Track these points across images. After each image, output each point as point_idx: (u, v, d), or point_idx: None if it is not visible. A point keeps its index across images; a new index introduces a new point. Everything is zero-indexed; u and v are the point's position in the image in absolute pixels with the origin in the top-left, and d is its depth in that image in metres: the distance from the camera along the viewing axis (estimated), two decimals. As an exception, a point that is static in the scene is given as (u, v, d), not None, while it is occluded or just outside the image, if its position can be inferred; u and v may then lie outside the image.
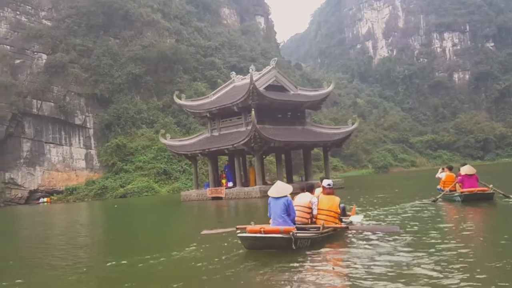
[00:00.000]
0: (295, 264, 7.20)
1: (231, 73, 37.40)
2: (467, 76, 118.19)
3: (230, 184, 32.09)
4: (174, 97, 34.42)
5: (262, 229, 8.24)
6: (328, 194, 9.65)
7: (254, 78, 31.64)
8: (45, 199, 63.31)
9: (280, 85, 33.16)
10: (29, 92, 64.62)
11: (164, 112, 69.50)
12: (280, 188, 9.01)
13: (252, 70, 33.80)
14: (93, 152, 68.43)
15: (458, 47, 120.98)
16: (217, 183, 33.40)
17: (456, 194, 15.29)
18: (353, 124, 34.43)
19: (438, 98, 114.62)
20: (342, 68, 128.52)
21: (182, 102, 34.18)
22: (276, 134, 30.42)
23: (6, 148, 63.47)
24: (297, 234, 8.16)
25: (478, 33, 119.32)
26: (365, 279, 5.96)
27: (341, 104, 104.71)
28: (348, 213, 11.32)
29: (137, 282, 7.12)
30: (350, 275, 6.30)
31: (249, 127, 28.48)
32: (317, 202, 9.45)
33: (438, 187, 17.13)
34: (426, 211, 13.36)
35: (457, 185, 15.52)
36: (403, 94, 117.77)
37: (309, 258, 7.62)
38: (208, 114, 32.69)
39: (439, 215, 12.95)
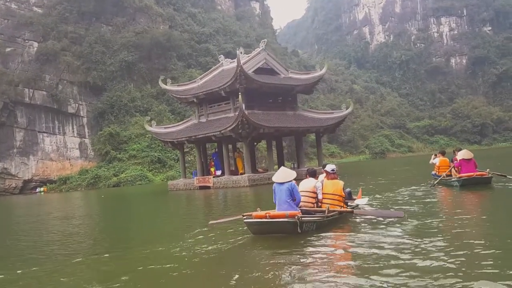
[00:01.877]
0: (301, 248, 7.23)
1: (219, 56, 35.12)
2: (464, 61, 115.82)
3: (219, 172, 30.13)
4: (160, 82, 32.21)
5: (267, 214, 8.29)
6: (332, 179, 9.64)
7: (243, 61, 29.52)
8: (41, 189, 61.66)
9: (270, 68, 30.99)
10: (20, 80, 62.53)
11: (158, 99, 67.30)
12: (284, 174, 8.97)
13: (241, 53, 31.77)
14: (87, 141, 66.47)
15: (455, 32, 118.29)
16: (206, 172, 31.44)
17: (454, 179, 15.02)
18: (347, 108, 32.32)
19: (435, 83, 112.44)
20: (339, 54, 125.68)
21: (168, 87, 32.01)
22: (266, 120, 28.39)
23: (-2, 137, 61.63)
24: (303, 218, 8.22)
25: (476, 17, 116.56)
26: (369, 264, 5.92)
27: (338, 91, 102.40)
28: (354, 197, 11.32)
29: (148, 270, 6.83)
30: (355, 259, 6.24)
31: (238, 113, 26.43)
32: (321, 187, 9.48)
33: (433, 172, 16.97)
34: (425, 197, 13.07)
35: (453, 170, 15.39)
36: (400, 80, 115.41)
37: (314, 242, 7.61)
38: (195, 100, 30.59)
39: (440, 200, 12.76)
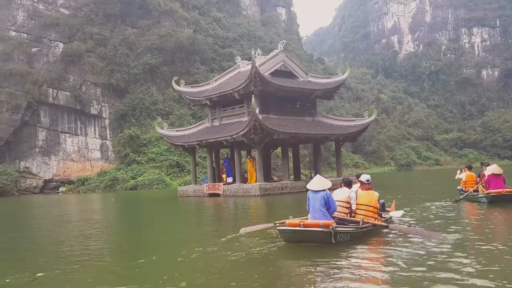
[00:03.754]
0: (333, 259, 7.00)
1: (236, 58, 33.17)
2: (496, 73, 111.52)
3: (230, 179, 28.06)
4: (173, 83, 30.39)
5: (301, 223, 8.17)
6: (367, 189, 9.29)
7: (259, 62, 27.52)
8: (63, 189, 60.92)
9: (288, 71, 28.82)
10: (45, 80, 62.21)
11: (180, 103, 65.90)
12: (319, 182, 8.78)
13: (258, 54, 29.76)
14: (108, 142, 65.68)
15: (488, 43, 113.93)
16: (218, 178, 29.45)
17: (481, 195, 14.16)
18: (370, 116, 29.85)
19: (465, 95, 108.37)
20: (366, 63, 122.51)
21: (181, 88, 30.20)
22: (281, 125, 26.20)
23: (21, 136, 61.29)
24: (337, 228, 7.98)
25: (509, 29, 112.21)
26: (401, 280, 5.68)
27: (364, 100, 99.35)
28: (387, 208, 10.90)
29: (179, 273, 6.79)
30: (387, 274, 5.99)
31: (250, 117, 24.36)
32: (355, 197, 9.20)
33: (459, 187, 16.14)
34: (453, 213, 12.44)
35: (480, 185, 14.61)
36: (429, 91, 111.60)
37: (347, 254, 7.38)
38: (208, 102, 28.67)
39: (469, 216, 12.07)
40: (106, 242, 11.14)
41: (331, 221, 8.12)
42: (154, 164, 58.03)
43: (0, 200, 45.32)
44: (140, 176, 55.45)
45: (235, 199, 24.51)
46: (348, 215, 9.10)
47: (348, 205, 9.12)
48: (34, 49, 63.47)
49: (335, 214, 8.78)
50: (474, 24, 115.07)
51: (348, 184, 9.53)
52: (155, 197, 32.61)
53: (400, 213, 11.15)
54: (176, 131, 31.22)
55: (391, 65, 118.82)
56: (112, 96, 66.15)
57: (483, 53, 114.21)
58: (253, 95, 24.15)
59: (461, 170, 16.86)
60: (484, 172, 14.57)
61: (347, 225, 8.69)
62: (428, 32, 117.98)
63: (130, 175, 56.34)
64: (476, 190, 14.81)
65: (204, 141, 27.51)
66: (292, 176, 30.95)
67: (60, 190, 60.33)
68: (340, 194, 9.21)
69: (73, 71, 64.41)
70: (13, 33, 63.74)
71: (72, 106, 63.39)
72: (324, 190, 8.56)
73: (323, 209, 8.40)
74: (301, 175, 34.56)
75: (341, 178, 10.26)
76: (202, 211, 19.96)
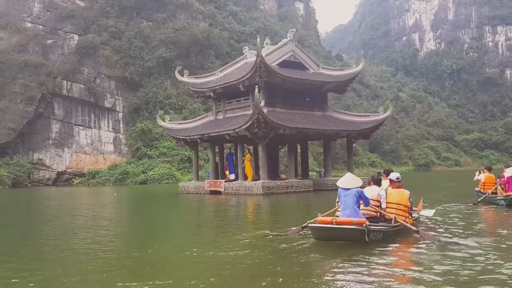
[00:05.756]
0: (366, 257, 6.76)
1: (243, 48, 31.04)
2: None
3: (232, 176, 26.00)
4: (176, 73, 28.37)
5: (334, 220, 7.86)
6: (397, 188, 9.09)
7: (266, 52, 25.41)
8: (76, 181, 59.71)
9: (298, 62, 26.55)
10: (59, 72, 61.23)
11: (193, 98, 64.08)
12: (350, 180, 8.58)
13: (267, 44, 27.66)
14: (121, 136, 64.45)
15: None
16: (221, 175, 27.43)
17: (500, 197, 13.68)
18: (385, 111, 27.42)
19: (487, 95, 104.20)
20: (386, 60, 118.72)
21: (184, 79, 28.20)
22: (288, 119, 24.01)
23: (35, 128, 60.48)
24: (370, 227, 7.71)
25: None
26: (434, 282, 5.47)
27: (382, 98, 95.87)
28: (414, 208, 10.13)
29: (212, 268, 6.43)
30: (419, 276, 5.74)
31: (254, 109, 22.25)
32: (385, 195, 8.89)
33: (476, 189, 15.59)
34: (476, 215, 12.02)
35: (499, 187, 14.06)
36: (450, 90, 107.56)
37: (381, 252, 7.11)
38: (212, 94, 26.64)
39: (495, 219, 11.58)
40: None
41: (363, 219, 7.89)
42: (165, 159, 56.46)
43: (10, 192, 44.34)
44: (150, 171, 53.91)
45: (235, 197, 22.54)
46: (378, 213, 8.83)
47: (378, 204, 8.82)
48: (49, 41, 62.51)
49: (365, 212, 8.57)
50: (499, 22, 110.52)
51: (378, 182, 9.21)
52: (157, 193, 30.80)
53: (431, 212, 10.67)
54: (179, 124, 29.32)
55: (411, 63, 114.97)
56: (126, 90, 64.87)
57: (507, 52, 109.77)
58: (256, 86, 22.02)
59: (479, 171, 16.16)
60: (504, 173, 13.91)
61: (377, 222, 8.41)
62: (450, 30, 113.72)
63: (140, 169, 54.86)
64: (495, 192, 14.22)
65: (206, 135, 25.51)
66: (300, 176, 28.64)
67: (75, 182, 59.14)
68: (370, 192, 8.85)
69: (88, 64, 63.27)
70: (29, 25, 62.88)
71: (86, 98, 62.32)
72: (356, 188, 8.33)
73: (355, 207, 8.18)
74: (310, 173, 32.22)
75: (371, 176, 9.77)
76: (190, 212, 18.01)
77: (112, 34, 64.53)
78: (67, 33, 63.85)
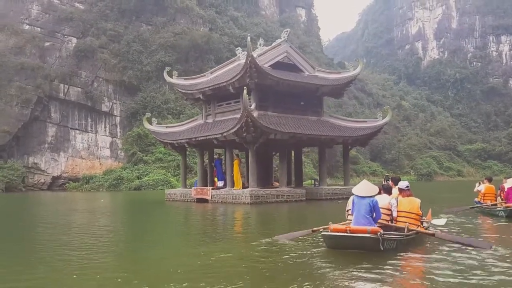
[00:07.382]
0: (379, 266, 6.66)
1: (236, 49, 29.54)
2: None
3: (220, 183, 24.33)
4: (165, 74, 26.88)
5: (348, 229, 7.71)
6: (408, 196, 8.88)
7: (258, 52, 23.95)
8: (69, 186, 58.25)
9: (292, 63, 24.99)
10: (56, 75, 59.89)
11: (192, 103, 62.77)
12: (365, 188, 8.31)
13: (260, 44, 26.19)
14: (118, 141, 62.92)
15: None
16: (210, 182, 25.78)
17: (500, 208, 13.50)
18: (383, 117, 25.79)
19: (491, 105, 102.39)
20: (389, 69, 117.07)
21: (173, 80, 26.66)
22: (280, 124, 22.40)
23: (31, 131, 59.04)
24: (384, 235, 7.54)
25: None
26: None
27: (385, 106, 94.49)
28: (423, 217, 9.50)
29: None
30: (440, 285, 5.66)
31: (242, 113, 20.68)
32: (396, 204, 8.76)
33: (476, 199, 15.24)
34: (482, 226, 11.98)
35: (499, 198, 13.95)
36: (453, 99, 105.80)
37: (395, 262, 7.02)
38: (201, 96, 25.09)
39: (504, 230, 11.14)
40: None
41: (377, 228, 7.74)
42: (160, 164, 54.87)
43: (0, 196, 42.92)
44: (145, 176, 52.32)
45: (222, 206, 20.91)
46: (389, 222, 8.66)
47: (389, 212, 8.67)
48: (47, 44, 61.29)
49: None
50: (503, 32, 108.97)
51: (388, 191, 9.06)
52: (143, 200, 29.19)
53: (443, 221, 10.58)
54: (166, 127, 27.72)
55: (414, 71, 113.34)
56: (123, 94, 63.48)
57: (511, 62, 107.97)
58: (245, 87, 20.45)
59: (479, 182, 15.93)
60: (504, 184, 13.76)
61: (390, 231, 8.23)
62: (453, 39, 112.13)
63: (135, 174, 53.27)
64: (495, 204, 14.07)
65: (194, 139, 23.88)
66: (294, 184, 26.93)
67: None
68: (381, 201, 8.57)
69: (85, 67, 61.99)
70: (27, 27, 61.76)
71: (83, 102, 60.95)
72: (371, 196, 8.12)
73: (368, 216, 7.98)
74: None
75: (381, 184, 9.50)
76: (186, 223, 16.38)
77: (110, 37, 63.33)
78: (65, 36, 62.66)
